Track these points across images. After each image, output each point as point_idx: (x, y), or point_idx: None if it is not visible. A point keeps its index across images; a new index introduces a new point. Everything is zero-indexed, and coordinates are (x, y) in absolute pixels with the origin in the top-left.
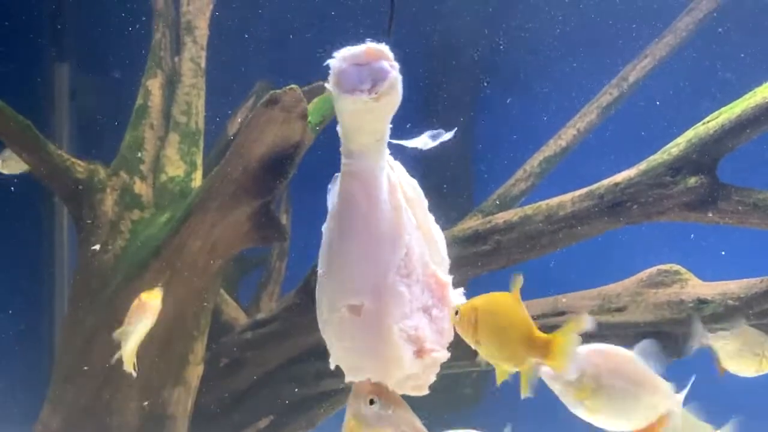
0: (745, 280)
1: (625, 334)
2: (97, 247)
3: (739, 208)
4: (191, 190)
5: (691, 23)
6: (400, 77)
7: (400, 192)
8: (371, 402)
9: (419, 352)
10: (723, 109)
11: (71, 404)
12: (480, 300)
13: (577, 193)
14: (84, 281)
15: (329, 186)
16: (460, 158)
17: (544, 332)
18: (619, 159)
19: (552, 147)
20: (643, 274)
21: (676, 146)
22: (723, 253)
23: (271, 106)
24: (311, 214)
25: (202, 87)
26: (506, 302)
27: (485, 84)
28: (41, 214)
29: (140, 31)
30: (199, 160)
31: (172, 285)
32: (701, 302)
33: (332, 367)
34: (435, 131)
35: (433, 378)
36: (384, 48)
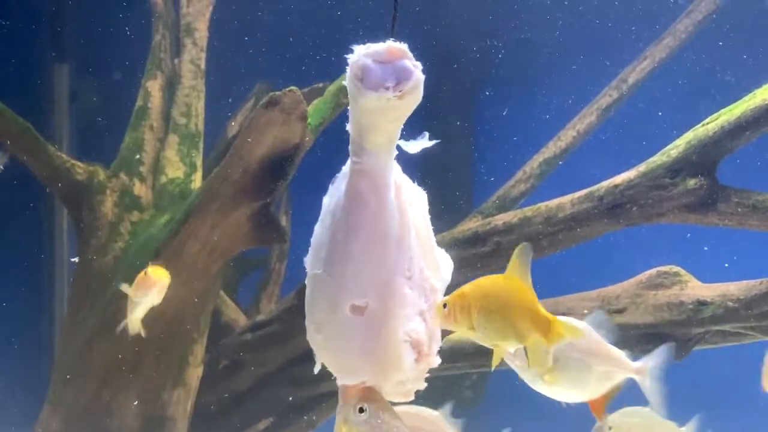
0: (744, 281)
1: (625, 336)
2: (75, 259)
3: (739, 209)
4: (191, 192)
5: (690, 25)
6: (423, 77)
7: (405, 194)
8: (360, 410)
9: (418, 357)
10: (722, 110)
11: (71, 405)
12: (468, 287)
13: (577, 194)
14: (84, 283)
15: (330, 186)
16: (460, 159)
17: None
18: (619, 161)
19: (552, 149)
20: (643, 276)
21: (676, 148)
22: (726, 265)
23: (271, 107)
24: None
25: (201, 89)
26: (498, 282)
27: (485, 85)
28: (41, 216)
29: (140, 32)
30: (199, 162)
31: (171, 286)
32: (701, 304)
33: (316, 370)
34: (420, 137)
35: (422, 384)
36: (405, 47)
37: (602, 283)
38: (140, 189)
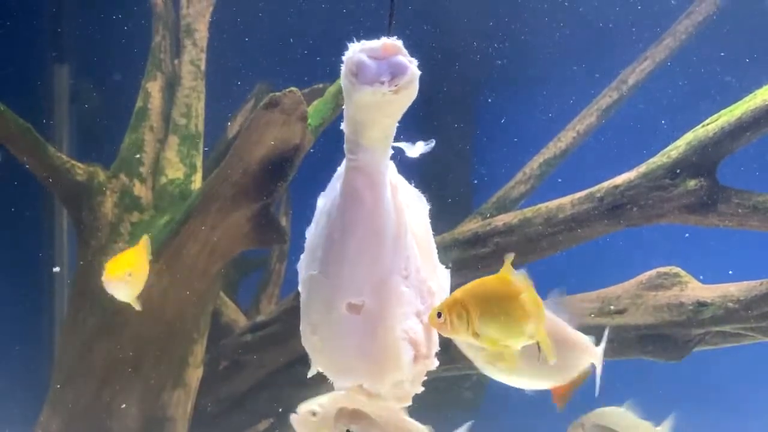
0: (744, 282)
1: (625, 337)
2: (57, 269)
3: (739, 210)
4: (191, 193)
5: (690, 26)
6: (418, 72)
7: (401, 194)
8: None
9: (416, 357)
10: (723, 111)
11: (71, 406)
12: (462, 292)
13: (577, 195)
14: (84, 283)
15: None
16: (460, 160)
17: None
18: (619, 161)
19: (552, 149)
20: (643, 277)
21: (676, 149)
22: (730, 272)
23: (271, 108)
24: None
25: (201, 89)
26: (494, 284)
27: (485, 86)
28: (41, 216)
29: (140, 33)
30: (199, 163)
31: (171, 287)
32: (701, 305)
33: (311, 374)
34: (419, 142)
35: (419, 388)
36: (400, 43)
37: (602, 284)
38: (140, 190)
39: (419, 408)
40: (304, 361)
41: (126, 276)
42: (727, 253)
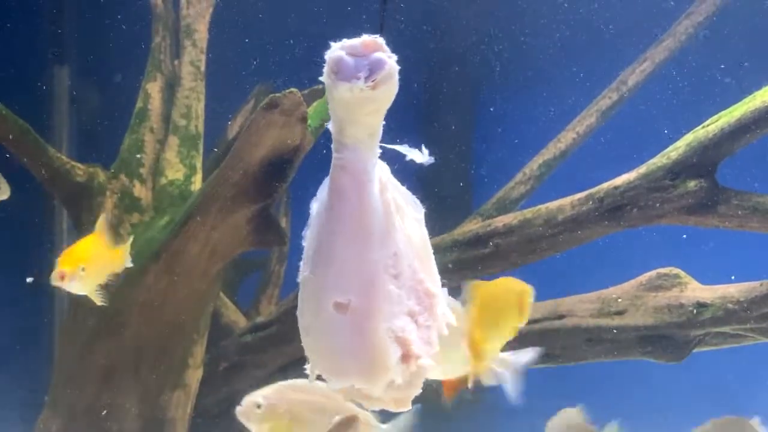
0: (744, 283)
1: (625, 338)
2: (30, 279)
3: (739, 211)
4: (191, 194)
5: (690, 27)
6: (397, 68)
7: (390, 193)
8: None
9: (405, 357)
10: (722, 112)
11: (71, 407)
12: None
13: (577, 196)
14: None
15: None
16: (460, 161)
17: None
18: (619, 162)
19: (551, 150)
20: (643, 278)
21: (676, 150)
22: (733, 278)
23: (271, 109)
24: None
25: (201, 90)
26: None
27: (484, 87)
28: (41, 217)
29: (140, 34)
30: (199, 164)
31: (171, 288)
32: (701, 306)
33: (310, 381)
34: (426, 154)
35: (417, 391)
36: (380, 40)
37: (602, 285)
38: (140, 191)
39: (419, 408)
40: (304, 362)
41: (79, 271)
42: (726, 254)
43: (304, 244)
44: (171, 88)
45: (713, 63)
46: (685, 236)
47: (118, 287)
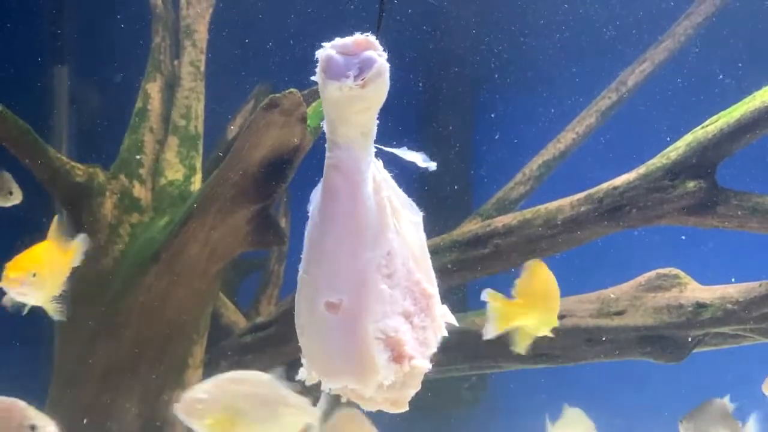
0: (744, 283)
1: (625, 338)
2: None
3: (738, 212)
4: (190, 194)
5: (689, 27)
6: (387, 66)
7: (385, 192)
8: None
9: (398, 357)
10: (722, 113)
11: (71, 407)
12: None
13: (576, 197)
14: (83, 285)
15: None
16: (460, 161)
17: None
18: (618, 163)
19: (551, 151)
20: (642, 278)
21: (675, 150)
22: (733, 280)
23: (271, 109)
24: None
25: (201, 90)
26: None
27: (484, 87)
28: (41, 217)
29: (140, 34)
30: (199, 164)
31: (171, 288)
32: (700, 306)
33: (305, 378)
34: (427, 158)
35: (413, 392)
36: (372, 38)
37: (601, 286)
38: (140, 191)
39: (419, 408)
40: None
41: (29, 277)
42: (726, 254)
43: (305, 241)
44: (171, 88)
45: (713, 63)
46: (684, 237)
47: (117, 288)
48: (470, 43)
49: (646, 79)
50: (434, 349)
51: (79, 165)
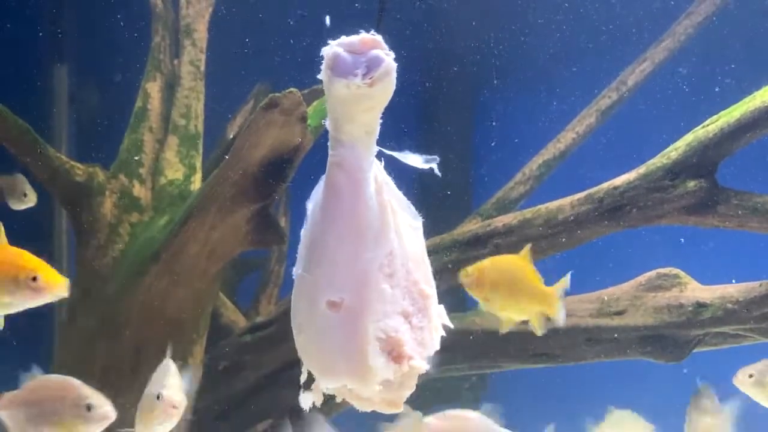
0: (744, 283)
1: (625, 338)
2: None
3: (739, 211)
4: (190, 193)
5: (690, 27)
6: (395, 65)
7: (387, 193)
8: None
9: (397, 357)
10: (722, 112)
11: None
12: (487, 262)
13: (577, 196)
14: (83, 285)
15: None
16: (460, 161)
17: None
18: (618, 163)
19: (551, 150)
20: (643, 278)
21: (676, 150)
22: (733, 280)
23: (271, 109)
24: None
25: (201, 90)
26: (513, 262)
27: (484, 87)
28: (40, 217)
29: (139, 34)
30: (198, 163)
31: (170, 288)
32: (700, 306)
33: (303, 378)
34: (429, 157)
35: (409, 392)
36: (378, 37)
37: (602, 285)
38: (139, 190)
39: (419, 408)
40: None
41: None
42: (726, 254)
43: (300, 245)
44: (170, 87)
45: (713, 63)
46: (684, 237)
47: (117, 288)
48: (470, 43)
49: (647, 79)
50: (432, 350)
51: (78, 164)
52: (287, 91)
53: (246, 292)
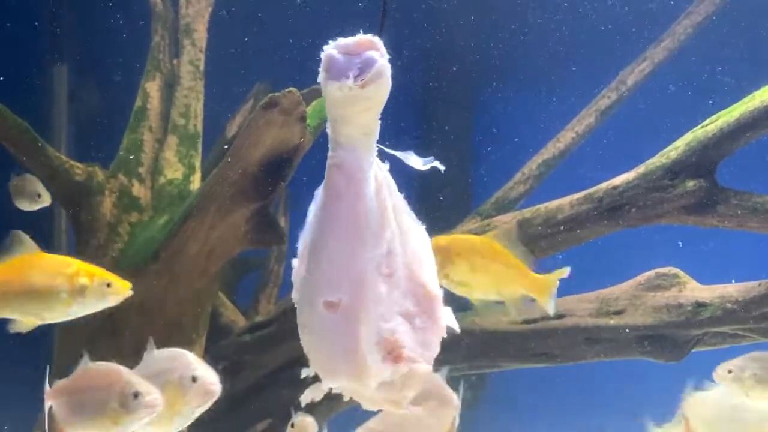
0: (743, 283)
1: (624, 337)
2: None
3: (738, 211)
4: (189, 193)
5: (689, 27)
6: (388, 66)
7: (386, 193)
8: None
9: (396, 358)
10: (722, 112)
11: None
12: (447, 240)
13: (576, 196)
14: None
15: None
16: (459, 161)
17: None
18: (618, 162)
19: (550, 150)
20: (642, 278)
21: (675, 150)
22: (733, 280)
23: (270, 108)
24: None
25: (200, 90)
26: (484, 243)
27: (484, 87)
28: (40, 217)
29: (139, 33)
30: (198, 163)
31: (170, 288)
32: (699, 305)
33: (311, 374)
34: (429, 159)
35: (412, 393)
36: (374, 38)
37: (601, 285)
38: (139, 190)
39: None
40: (302, 361)
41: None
42: (726, 254)
43: (299, 242)
44: (170, 87)
45: (713, 63)
46: (683, 236)
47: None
48: (470, 43)
49: (646, 79)
50: (436, 351)
51: (78, 164)
52: (286, 90)
53: (245, 292)
